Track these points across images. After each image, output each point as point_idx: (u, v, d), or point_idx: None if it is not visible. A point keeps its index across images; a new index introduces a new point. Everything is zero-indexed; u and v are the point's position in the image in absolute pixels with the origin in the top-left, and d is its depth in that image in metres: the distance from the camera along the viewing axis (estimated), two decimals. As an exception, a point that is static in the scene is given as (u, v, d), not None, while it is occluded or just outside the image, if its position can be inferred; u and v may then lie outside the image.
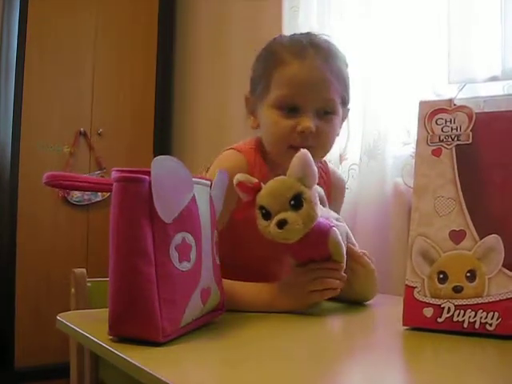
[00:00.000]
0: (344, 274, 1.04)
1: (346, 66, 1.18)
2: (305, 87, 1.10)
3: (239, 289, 1.05)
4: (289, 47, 1.13)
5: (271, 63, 1.14)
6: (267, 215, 1.00)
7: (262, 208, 1.00)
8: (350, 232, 1.14)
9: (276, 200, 0.98)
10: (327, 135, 1.13)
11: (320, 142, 1.13)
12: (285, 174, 1.05)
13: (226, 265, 0.97)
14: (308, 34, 1.18)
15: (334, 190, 1.30)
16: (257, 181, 1.01)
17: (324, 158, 1.28)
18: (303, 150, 0.99)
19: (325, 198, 1.12)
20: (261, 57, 1.20)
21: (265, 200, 1.00)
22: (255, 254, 1.18)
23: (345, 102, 1.18)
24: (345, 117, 1.22)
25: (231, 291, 0.99)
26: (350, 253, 1.09)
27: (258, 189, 1.01)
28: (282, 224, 0.97)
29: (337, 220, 1.10)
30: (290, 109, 1.11)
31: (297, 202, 0.98)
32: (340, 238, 1.04)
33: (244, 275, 1.09)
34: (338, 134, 1.21)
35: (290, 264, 1.11)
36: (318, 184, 1.10)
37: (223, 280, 0.95)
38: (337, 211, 1.25)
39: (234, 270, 1.06)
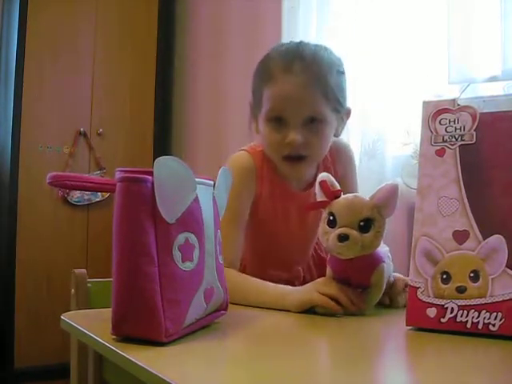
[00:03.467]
0: (360, 306, 1.02)
1: (339, 72, 1.21)
2: (290, 102, 1.14)
3: (255, 283, 1.12)
4: (278, 62, 1.17)
5: (263, 78, 1.20)
6: (333, 223, 1.01)
7: (331, 214, 1.02)
8: (391, 273, 1.13)
9: (348, 214, 1.00)
10: (316, 144, 1.18)
11: (310, 152, 1.18)
12: (290, 177, 1.25)
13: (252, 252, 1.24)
14: (300, 43, 1.22)
15: (338, 160, 1.31)
16: (339, 187, 1.05)
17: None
18: (395, 183, 1.02)
19: None
20: (257, 71, 1.24)
21: (338, 209, 1.01)
22: (280, 243, 1.29)
23: (338, 110, 1.21)
24: (344, 118, 1.26)
25: (249, 284, 1.12)
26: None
27: (337, 195, 1.03)
28: (342, 238, 0.98)
29: (388, 259, 1.10)
30: (279, 122, 1.16)
31: (366, 225, 0.99)
32: (385, 274, 1.05)
33: (267, 262, 1.27)
34: (337, 135, 1.26)
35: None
36: (326, 166, 1.28)
37: (244, 276, 1.13)
38: (351, 182, 1.32)
39: (258, 257, 1.28)
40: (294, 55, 1.17)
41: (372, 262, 1.03)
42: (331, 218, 1.02)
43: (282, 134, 1.16)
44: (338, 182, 1.22)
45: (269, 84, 1.17)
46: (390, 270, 1.10)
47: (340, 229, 0.99)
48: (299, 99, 1.14)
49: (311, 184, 1.25)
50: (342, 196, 1.04)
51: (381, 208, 1.00)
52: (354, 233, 0.98)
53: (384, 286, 1.05)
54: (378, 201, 1.01)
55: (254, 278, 1.14)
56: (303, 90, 1.14)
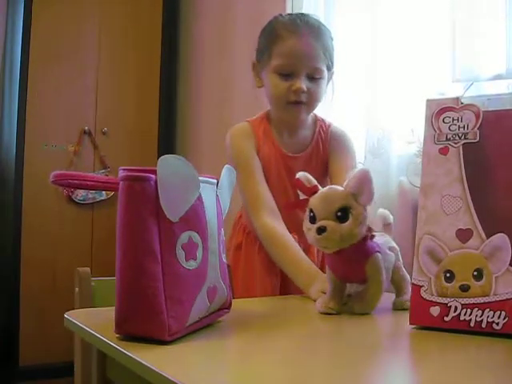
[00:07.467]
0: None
1: (331, 39, 1.45)
2: (299, 58, 1.37)
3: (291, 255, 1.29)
4: (287, 25, 1.40)
5: (272, 38, 1.41)
6: (313, 219, 1.01)
7: (310, 211, 1.02)
8: (402, 264, 1.12)
9: (324, 207, 1.00)
10: (315, 94, 1.40)
11: (310, 99, 1.40)
12: (286, 136, 1.45)
13: None
14: (302, 14, 1.48)
15: (330, 145, 1.48)
16: (315, 183, 1.05)
17: (329, 122, 1.52)
18: (364, 168, 1.03)
19: (391, 225, 1.16)
20: (264, 32, 1.46)
21: (315, 204, 1.01)
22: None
23: (329, 68, 1.44)
24: (329, 79, 1.47)
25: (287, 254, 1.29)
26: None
27: (314, 191, 1.04)
28: (320, 231, 0.98)
29: (389, 249, 1.09)
30: (287, 74, 1.38)
31: (343, 214, 0.99)
32: (381, 264, 1.03)
33: None
34: (325, 92, 1.46)
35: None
36: (317, 143, 1.46)
37: (285, 240, 1.30)
38: (342, 164, 1.44)
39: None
40: (301, 20, 1.40)
41: (364, 253, 1.02)
42: (311, 214, 1.01)
43: (289, 82, 1.37)
44: (326, 159, 1.46)
45: (279, 42, 1.38)
46: (392, 259, 1.09)
47: (318, 222, 0.99)
48: (305, 56, 1.37)
49: (301, 150, 1.46)
50: (319, 189, 1.04)
51: (356, 195, 0.99)
52: (330, 223, 0.98)
53: (382, 278, 1.03)
54: (352, 189, 0.99)
55: (292, 245, 1.30)
56: (309, 48, 1.37)
